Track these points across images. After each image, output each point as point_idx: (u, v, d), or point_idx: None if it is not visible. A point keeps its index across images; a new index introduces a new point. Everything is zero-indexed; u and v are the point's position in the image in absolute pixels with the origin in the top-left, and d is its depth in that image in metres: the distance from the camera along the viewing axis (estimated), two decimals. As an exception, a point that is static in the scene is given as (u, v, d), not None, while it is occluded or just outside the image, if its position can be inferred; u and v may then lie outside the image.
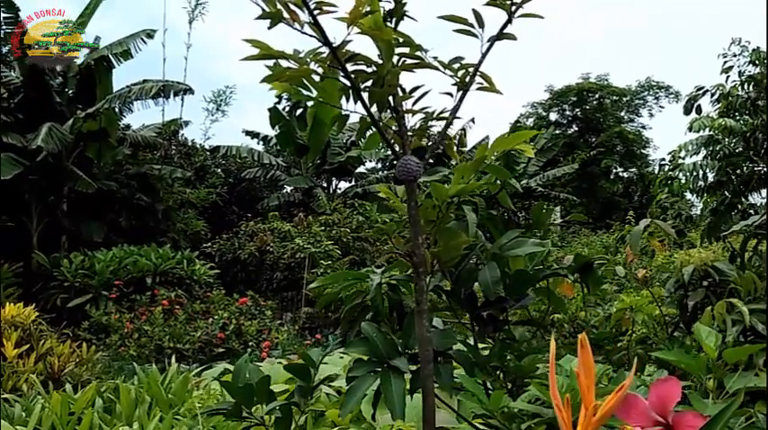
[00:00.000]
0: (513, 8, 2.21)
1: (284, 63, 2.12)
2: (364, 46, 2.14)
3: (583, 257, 2.56)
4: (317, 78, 2.12)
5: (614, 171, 32.99)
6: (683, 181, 5.90)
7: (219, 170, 23.19)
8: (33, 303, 11.82)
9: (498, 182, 2.78)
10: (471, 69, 2.28)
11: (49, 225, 15.80)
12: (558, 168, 26.26)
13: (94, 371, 9.88)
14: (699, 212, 6.91)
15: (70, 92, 15.98)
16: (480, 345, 2.62)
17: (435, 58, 2.27)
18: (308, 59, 1.98)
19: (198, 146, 22.99)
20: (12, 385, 8.55)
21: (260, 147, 22.08)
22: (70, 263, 14.62)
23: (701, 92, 6.14)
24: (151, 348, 11.73)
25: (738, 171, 5.72)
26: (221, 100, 20.79)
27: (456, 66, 2.28)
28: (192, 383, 6.20)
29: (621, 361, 4.00)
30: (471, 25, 2.27)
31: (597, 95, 33.85)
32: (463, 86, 2.26)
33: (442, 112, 2.29)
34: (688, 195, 6.40)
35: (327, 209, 18.17)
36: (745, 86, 5.74)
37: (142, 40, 15.40)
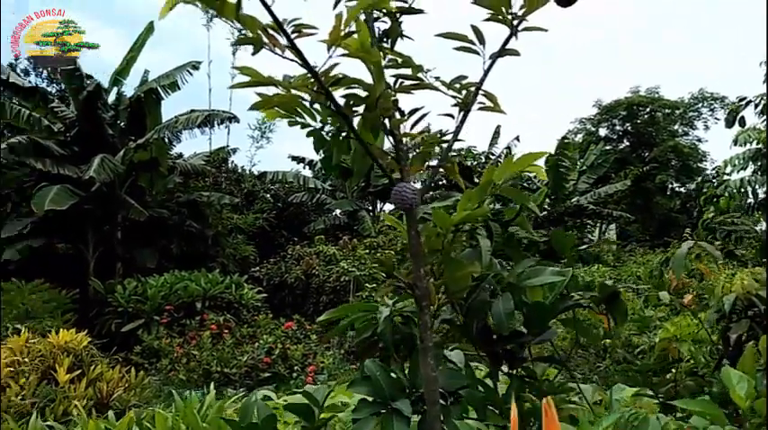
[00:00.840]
0: (516, 22, 2.07)
1: (275, 90, 2.04)
2: (359, 68, 2.05)
3: (607, 287, 2.35)
4: (308, 104, 2.03)
5: (670, 186, 31.79)
6: (728, 198, 5.53)
7: (268, 195, 23.57)
8: (89, 328, 12.20)
9: (516, 206, 2.62)
10: (473, 88, 2.16)
11: (104, 252, 16.34)
12: (610, 185, 25.44)
13: (143, 396, 10.04)
14: (747, 230, 6.47)
15: (122, 124, 16.61)
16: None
17: (437, 78, 2.15)
18: (295, 85, 1.89)
19: (246, 172, 23.47)
20: (62, 410, 8.77)
21: (307, 172, 22.36)
22: (124, 289, 15.03)
23: (743, 103, 5.78)
24: (199, 372, 11.84)
25: None
26: (265, 127, 21.21)
27: (457, 85, 2.16)
28: (227, 412, 6.15)
29: (670, 393, 3.71)
30: (472, 42, 2.15)
31: (648, 109, 32.83)
32: (465, 107, 2.13)
33: (443, 135, 2.17)
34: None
35: (372, 231, 18.12)
36: None
37: (188, 71, 15.90)
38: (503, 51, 2.11)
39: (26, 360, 9.60)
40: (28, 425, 6.49)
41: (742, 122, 5.85)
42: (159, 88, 15.95)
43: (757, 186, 5.35)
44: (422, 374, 2.04)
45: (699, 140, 33.43)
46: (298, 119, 2.14)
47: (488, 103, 2.13)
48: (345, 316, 2.56)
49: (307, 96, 1.89)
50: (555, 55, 48.05)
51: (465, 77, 2.17)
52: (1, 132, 15.83)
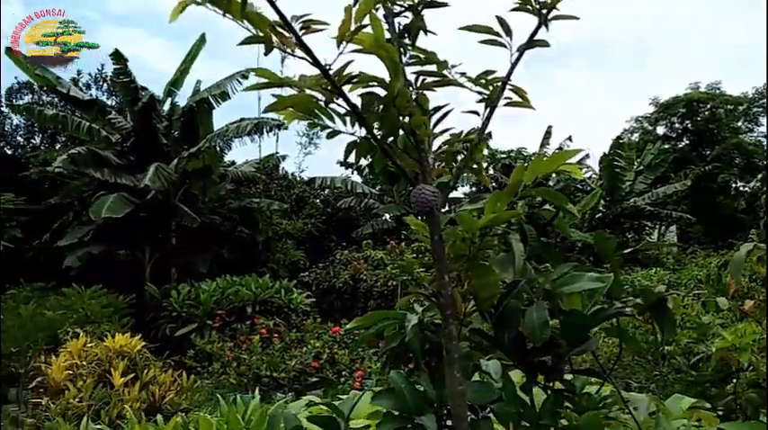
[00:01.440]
0: (545, 11, 1.94)
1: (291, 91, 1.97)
2: (381, 66, 1.95)
3: (653, 294, 2.17)
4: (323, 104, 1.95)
5: (734, 185, 30.33)
6: None
7: (317, 201, 23.80)
8: (144, 333, 12.57)
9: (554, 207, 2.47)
10: (499, 84, 2.03)
11: (160, 258, 16.82)
12: (669, 185, 24.45)
13: (194, 399, 10.22)
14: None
15: (175, 133, 17.10)
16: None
17: (463, 74, 2.04)
18: (308, 84, 1.82)
19: (295, 178, 23.77)
20: (116, 413, 9.02)
21: (356, 177, 22.44)
22: (178, 294, 15.43)
23: None
24: (249, 376, 12.00)
25: None
26: (313, 133, 21.41)
27: (483, 81, 2.03)
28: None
29: (730, 406, 3.45)
30: (498, 34, 2.02)
31: (709, 106, 31.40)
32: (490, 103, 2.01)
33: (469, 133, 2.05)
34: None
35: (419, 236, 17.96)
36: None
37: (238, 80, 16.21)
38: (531, 43, 1.98)
39: (84, 363, 9.95)
40: (79, 428, 6.69)
41: None
42: (210, 98, 16.34)
43: None
44: (448, 387, 1.92)
45: (765, 137, 31.76)
46: (317, 121, 2.06)
47: (516, 98, 1.99)
48: (375, 323, 2.46)
49: (321, 96, 1.81)
50: (607, 51, 46.71)
51: (492, 72, 2.05)
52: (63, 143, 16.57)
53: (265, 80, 1.89)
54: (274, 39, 1.65)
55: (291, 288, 15.87)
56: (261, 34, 1.66)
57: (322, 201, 23.96)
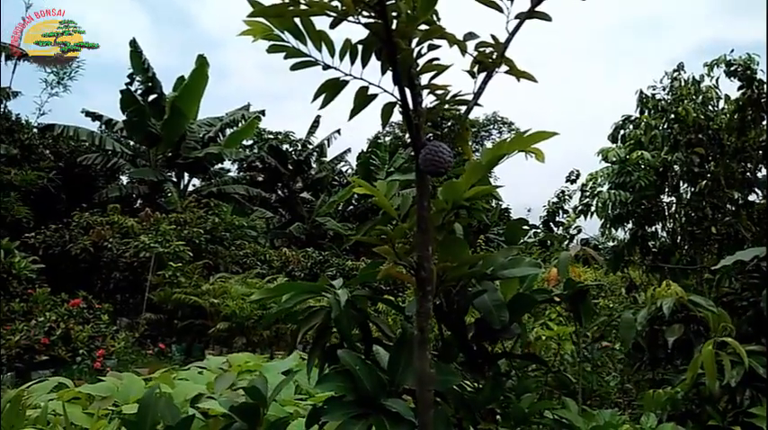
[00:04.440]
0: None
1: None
2: None
3: (575, 283, 2.27)
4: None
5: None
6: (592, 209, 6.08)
7: (48, 152, 20.38)
8: None
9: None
10: (490, 50, 1.90)
11: None
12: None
13: None
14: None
15: None
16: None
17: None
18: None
19: (25, 122, 20.03)
20: None
21: (105, 134, 19.86)
22: None
23: (626, 121, 6.39)
24: (-53, 353, 9.71)
25: (646, 203, 6.02)
26: (65, 73, 18.26)
27: (476, 42, 1.88)
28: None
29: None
30: (498, -4, 1.89)
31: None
32: (487, 67, 1.86)
33: (460, 95, 1.87)
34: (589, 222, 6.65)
35: (178, 206, 16.72)
36: (663, 123, 6.06)
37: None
38: (533, 12, 1.89)
39: None
40: None
41: (622, 140, 6.50)
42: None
43: (617, 200, 5.96)
44: (413, 370, 1.72)
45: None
46: (288, 43, 1.68)
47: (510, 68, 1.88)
48: (281, 296, 2.12)
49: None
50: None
51: (477, 36, 1.90)
52: None
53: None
54: None
55: (13, 249, 13.30)
56: None
57: (54, 153, 20.59)
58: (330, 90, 1.78)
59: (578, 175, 7.70)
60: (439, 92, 1.82)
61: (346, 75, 1.73)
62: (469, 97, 1.84)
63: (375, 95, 1.77)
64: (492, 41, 1.86)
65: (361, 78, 1.73)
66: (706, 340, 2.56)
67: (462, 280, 1.96)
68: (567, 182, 7.86)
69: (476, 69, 1.87)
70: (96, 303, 12.21)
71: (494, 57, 1.85)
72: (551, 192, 8.46)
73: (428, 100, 1.86)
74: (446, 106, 1.80)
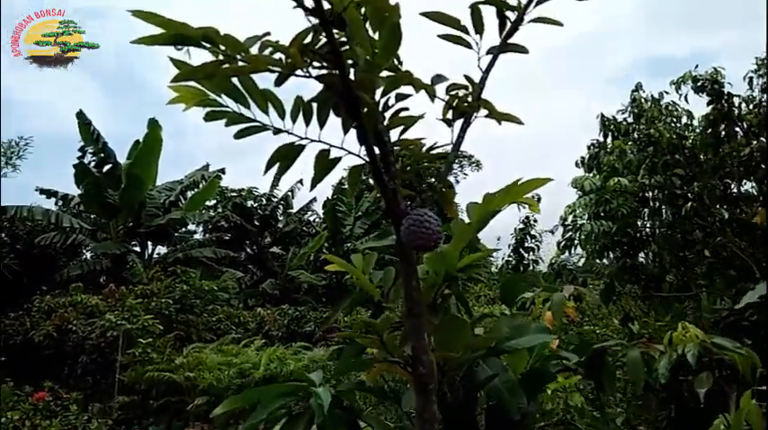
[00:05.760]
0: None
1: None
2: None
3: (589, 346, 1.97)
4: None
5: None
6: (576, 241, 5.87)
7: (3, 235, 19.57)
8: None
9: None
10: (465, 93, 1.64)
11: None
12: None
13: None
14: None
15: None
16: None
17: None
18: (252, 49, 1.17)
19: (-25, 206, 19.25)
20: None
21: (62, 210, 19.19)
22: None
23: (594, 147, 6.24)
24: None
25: (631, 231, 5.83)
26: (12, 152, 17.63)
27: (447, 85, 1.62)
28: None
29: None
30: (466, 30, 1.64)
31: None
32: (463, 112, 1.60)
33: (437, 147, 1.60)
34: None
35: (144, 277, 16.09)
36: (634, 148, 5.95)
37: None
38: (506, 45, 1.64)
39: None
40: None
41: (595, 168, 6.38)
42: None
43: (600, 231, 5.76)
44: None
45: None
46: (230, 109, 1.39)
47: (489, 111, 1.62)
48: (261, 404, 1.77)
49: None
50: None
51: (445, 78, 1.65)
52: None
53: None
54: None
55: (-31, 344, 12.51)
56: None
57: (10, 236, 19.79)
58: (284, 157, 1.49)
59: (540, 199, 7.61)
60: (412, 147, 1.54)
61: (302, 138, 1.44)
62: (449, 148, 1.56)
63: (339, 159, 1.48)
64: (466, 82, 1.60)
65: (320, 141, 1.44)
66: (738, 386, 2.30)
67: (466, 363, 1.65)
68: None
69: (450, 116, 1.60)
70: (64, 392, 11.46)
71: (469, 100, 1.58)
72: (515, 219, 8.33)
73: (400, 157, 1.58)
74: (424, 163, 1.52)
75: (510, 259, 8.70)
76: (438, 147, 1.56)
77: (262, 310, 17.28)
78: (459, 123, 1.58)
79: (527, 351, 1.86)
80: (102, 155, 18.16)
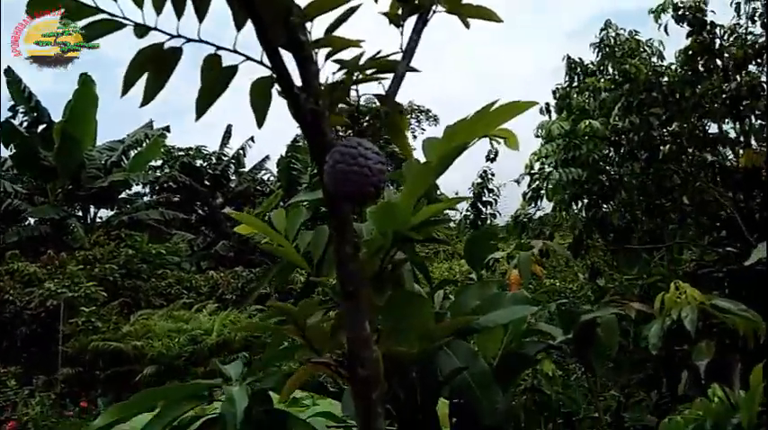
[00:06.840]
0: None
1: None
2: None
3: (572, 314, 1.59)
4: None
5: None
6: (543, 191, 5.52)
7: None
8: None
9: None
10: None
11: None
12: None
13: None
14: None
15: None
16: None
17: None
18: None
19: None
20: None
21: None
22: None
23: (563, 89, 5.85)
24: None
25: (603, 178, 5.49)
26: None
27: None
28: None
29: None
30: None
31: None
32: (414, 8, 1.14)
33: (378, 57, 1.13)
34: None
35: (86, 243, 15.25)
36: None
37: None
38: None
39: None
40: None
41: (561, 109, 6.00)
42: None
43: (568, 178, 5.39)
44: None
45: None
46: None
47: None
48: (153, 407, 1.32)
49: None
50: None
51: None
52: None
53: None
54: None
55: None
56: None
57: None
58: (153, 63, 1.00)
59: (497, 153, 7.38)
60: (348, 55, 1.08)
61: (173, 37, 0.96)
62: (398, 57, 1.10)
63: (234, 68, 1.00)
64: (420, -37, 1.14)
65: (201, 40, 0.96)
66: (741, 356, 1.99)
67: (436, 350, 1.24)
68: (487, 161, 7.51)
69: (400, 12, 1.14)
70: (1, 366, 10.79)
71: (426, -12, 1.12)
72: (473, 173, 8.00)
73: (330, 69, 1.11)
74: (361, 75, 1.06)
75: (468, 214, 8.37)
76: (383, 56, 1.11)
77: (215, 273, 16.69)
78: (411, 21, 1.13)
79: (502, 328, 1.47)
80: (36, 114, 16.97)
